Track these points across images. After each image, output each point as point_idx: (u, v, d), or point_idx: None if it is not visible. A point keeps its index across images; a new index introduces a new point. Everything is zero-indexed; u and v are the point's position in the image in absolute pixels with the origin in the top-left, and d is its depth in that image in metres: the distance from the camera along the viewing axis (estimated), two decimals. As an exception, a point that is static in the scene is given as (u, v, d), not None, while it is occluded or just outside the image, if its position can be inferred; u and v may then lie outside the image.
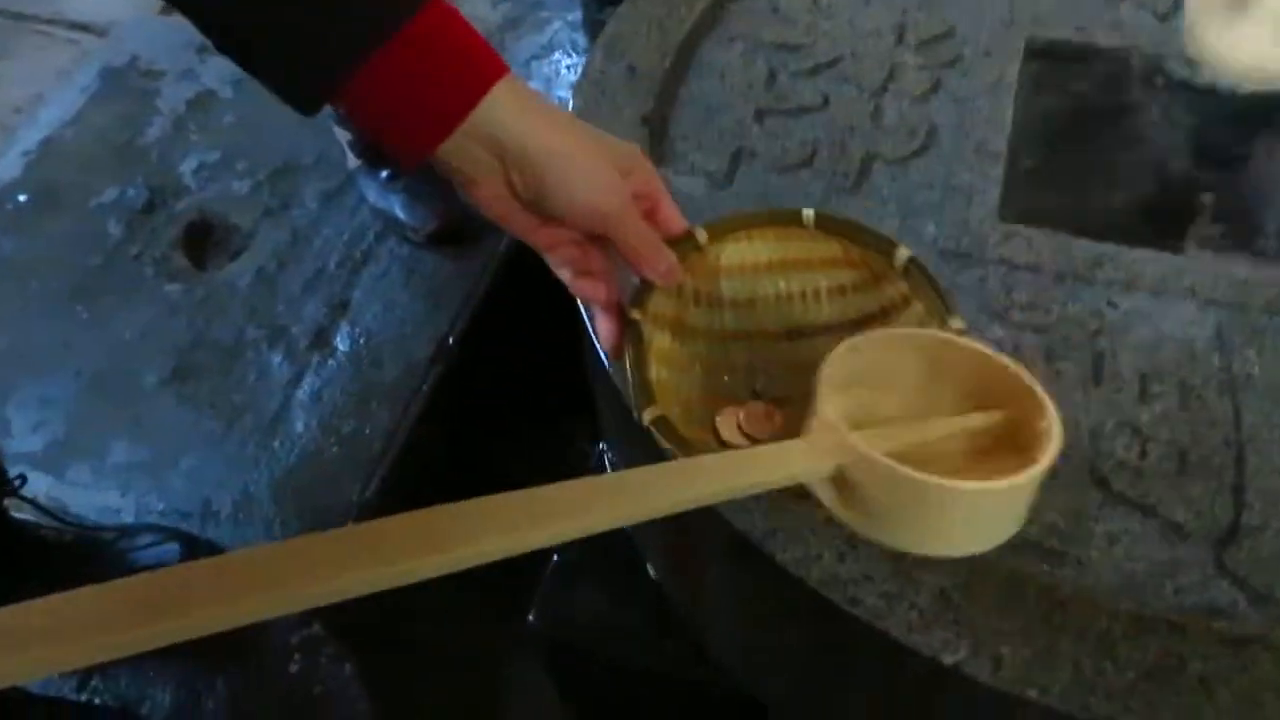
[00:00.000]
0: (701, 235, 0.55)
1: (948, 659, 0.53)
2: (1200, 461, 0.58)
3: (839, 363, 0.45)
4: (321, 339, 1.22)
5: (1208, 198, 0.72)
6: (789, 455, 0.42)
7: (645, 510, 0.37)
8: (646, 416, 0.49)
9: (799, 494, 0.43)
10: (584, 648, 0.92)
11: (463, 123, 0.46)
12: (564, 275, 0.53)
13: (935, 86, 0.78)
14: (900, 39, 0.82)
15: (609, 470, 0.99)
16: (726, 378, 0.57)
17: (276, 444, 1.13)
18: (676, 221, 0.54)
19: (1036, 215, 0.71)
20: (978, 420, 0.45)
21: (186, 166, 1.42)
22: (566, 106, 0.79)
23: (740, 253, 0.57)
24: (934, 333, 0.49)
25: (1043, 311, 0.65)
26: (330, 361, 1.20)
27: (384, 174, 1.29)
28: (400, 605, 1.13)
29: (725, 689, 0.85)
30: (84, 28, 1.66)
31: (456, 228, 1.28)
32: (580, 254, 0.52)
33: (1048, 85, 0.80)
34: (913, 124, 0.76)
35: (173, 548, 1.00)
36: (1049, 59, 0.81)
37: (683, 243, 0.54)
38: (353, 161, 1.32)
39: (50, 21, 1.61)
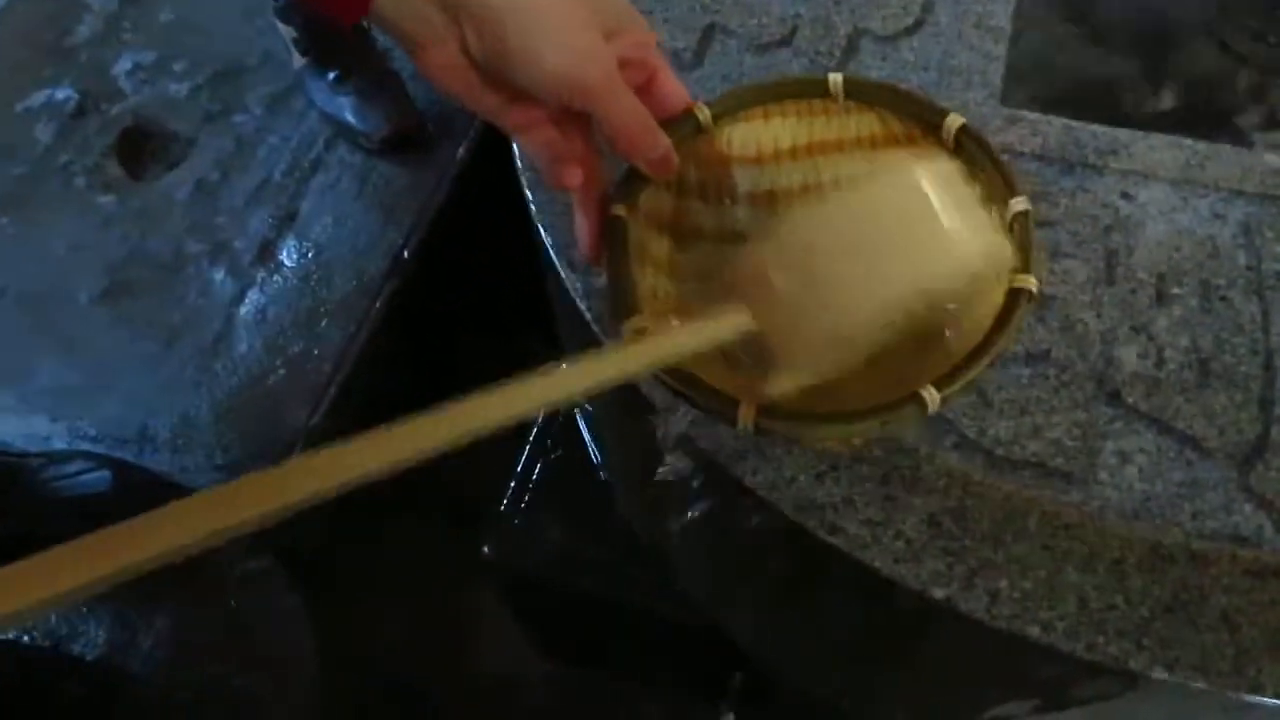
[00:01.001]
0: (704, 114, 0.45)
1: (938, 593, 0.47)
2: (1223, 371, 0.52)
3: None
4: (267, 253, 1.14)
5: (1238, 77, 0.65)
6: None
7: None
8: (626, 330, 0.41)
9: None
10: (544, 579, 0.87)
11: None
12: (539, 163, 0.44)
13: (931, -43, 0.70)
14: (892, -95, 0.73)
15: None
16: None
17: (219, 366, 1.06)
18: (677, 96, 0.45)
19: (1043, 98, 0.63)
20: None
21: (120, 68, 1.31)
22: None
23: (755, 135, 0.47)
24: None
25: (1049, 204, 0.58)
26: (276, 278, 1.12)
27: (332, 75, 1.19)
28: (353, 535, 1.07)
29: (697, 625, 0.80)
30: (6, -82, 1.52)
31: (411, 133, 1.19)
32: (558, 137, 0.43)
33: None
34: (905, -2, 0.67)
35: (104, 475, 0.93)
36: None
37: (681, 124, 0.45)
38: (298, 60, 1.22)
39: (-31, -89, 1.48)
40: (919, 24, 0.66)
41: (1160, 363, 0.52)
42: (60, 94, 1.29)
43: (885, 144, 0.46)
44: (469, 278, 1.19)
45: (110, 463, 0.96)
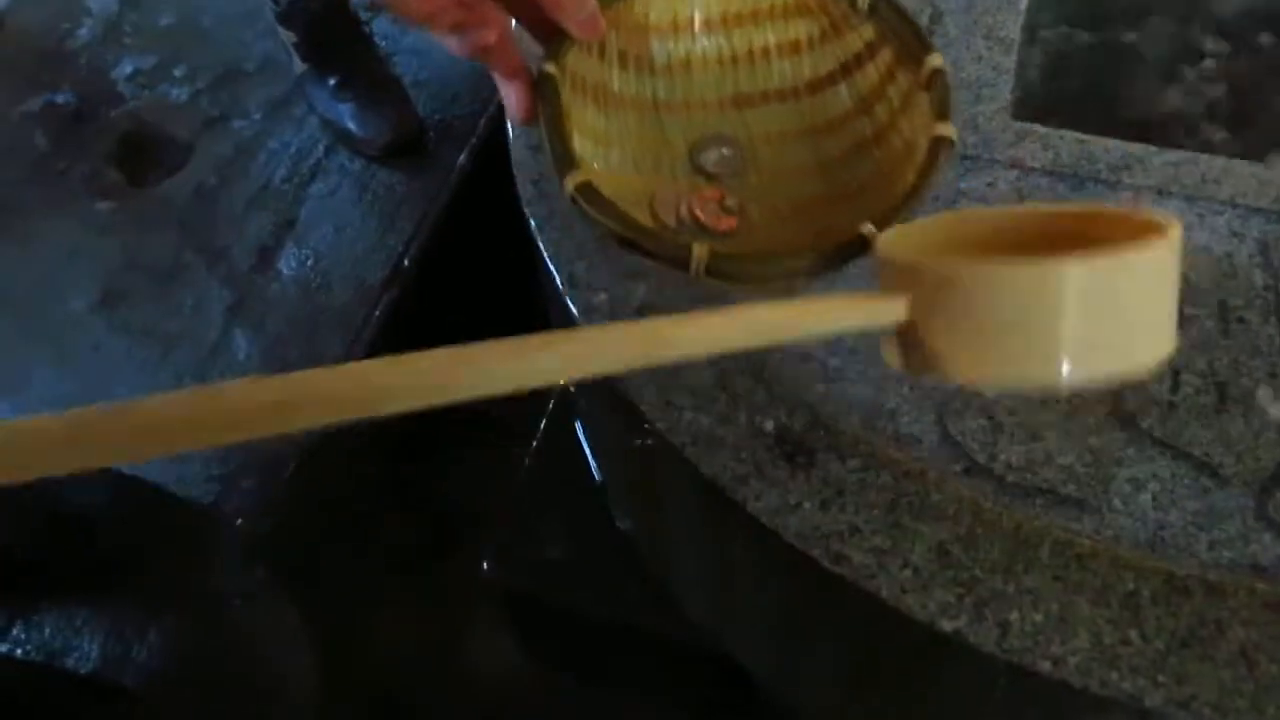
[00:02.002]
0: None
1: (946, 625, 0.45)
2: (1241, 395, 0.50)
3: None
4: (265, 261, 1.12)
5: (1254, 92, 0.63)
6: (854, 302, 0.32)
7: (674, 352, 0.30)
8: (569, 184, 0.41)
9: None
10: (542, 595, 0.85)
11: None
12: (451, 43, 0.42)
13: (940, -34, 0.68)
14: (900, -87, 0.71)
15: (571, 401, 0.91)
16: (663, 155, 0.49)
17: (216, 375, 1.04)
18: None
19: (1054, 112, 0.62)
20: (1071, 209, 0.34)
21: (119, 72, 1.30)
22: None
23: (672, 6, 0.48)
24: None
25: (1061, 222, 0.56)
26: (275, 285, 1.11)
27: (333, 81, 1.18)
28: (350, 549, 1.06)
29: (697, 642, 0.79)
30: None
31: (411, 140, 1.18)
32: (469, 16, 0.41)
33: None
34: (914, 6, 0.66)
35: (98, 485, 0.92)
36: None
37: None
38: (299, 65, 1.21)
39: (-30, -87, 1.47)
40: (927, 34, 0.64)
41: (1176, 387, 0.50)
42: (59, 98, 1.28)
43: (798, 14, 0.48)
44: (469, 286, 1.17)
45: (104, 473, 0.95)
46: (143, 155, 1.24)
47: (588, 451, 0.88)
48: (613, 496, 0.85)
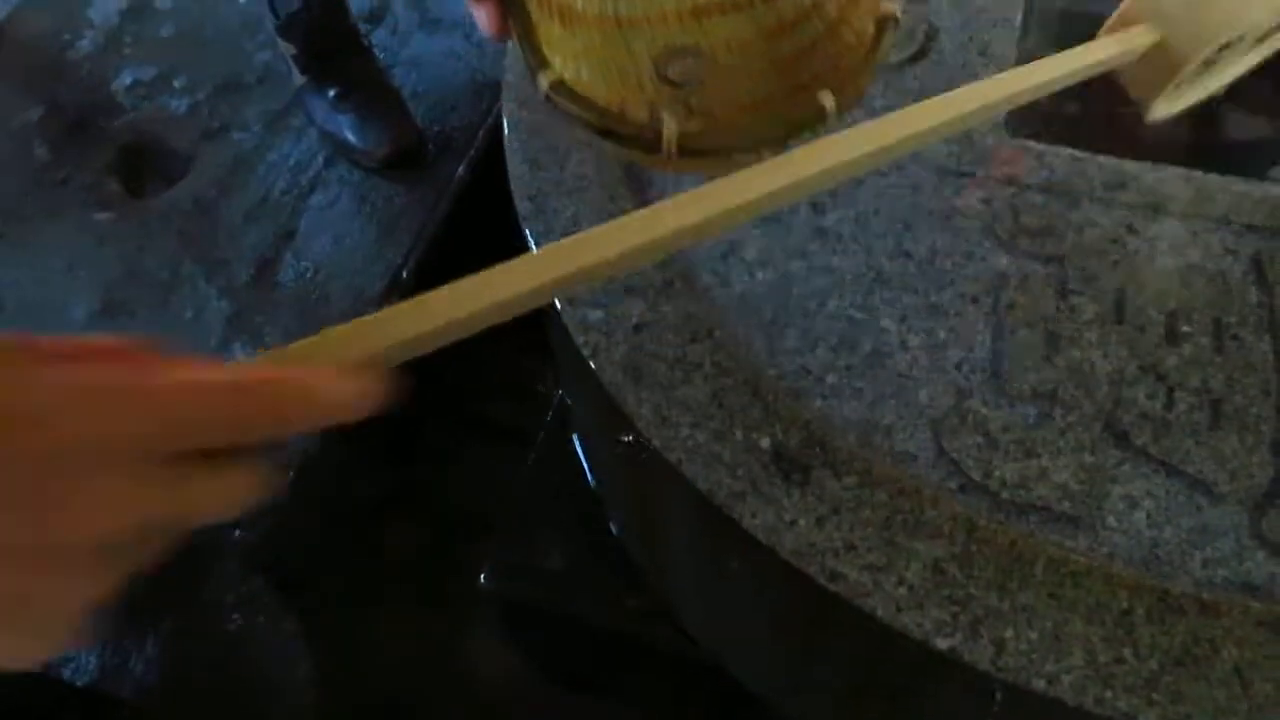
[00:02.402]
0: None
1: (942, 643, 0.45)
2: (1235, 413, 0.50)
3: None
4: (264, 273, 1.13)
5: (1245, 107, 0.63)
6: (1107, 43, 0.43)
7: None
8: (543, 81, 0.43)
9: None
10: (541, 604, 0.85)
11: None
12: None
13: (935, -17, 0.69)
14: (896, -71, 0.72)
15: (570, 408, 0.91)
16: (629, 68, 0.49)
17: (213, 386, 1.04)
18: None
19: (1049, 128, 0.62)
20: None
21: (120, 83, 1.30)
22: None
23: None
24: None
25: (1055, 239, 0.56)
26: (273, 297, 1.11)
27: (332, 92, 1.18)
28: (348, 557, 1.06)
29: (695, 654, 0.79)
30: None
31: (410, 152, 1.18)
32: None
33: (1063, -19, 0.70)
34: (910, 24, 0.66)
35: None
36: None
37: None
38: (298, 78, 1.21)
39: (-29, -76, 1.47)
40: (923, 52, 0.65)
41: (1170, 404, 0.51)
42: (60, 108, 1.28)
43: None
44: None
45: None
46: (142, 166, 1.25)
47: (585, 462, 0.88)
48: (610, 507, 0.86)
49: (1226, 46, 0.45)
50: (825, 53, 0.47)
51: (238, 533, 0.97)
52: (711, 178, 0.36)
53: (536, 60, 0.43)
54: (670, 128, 0.41)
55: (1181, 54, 0.44)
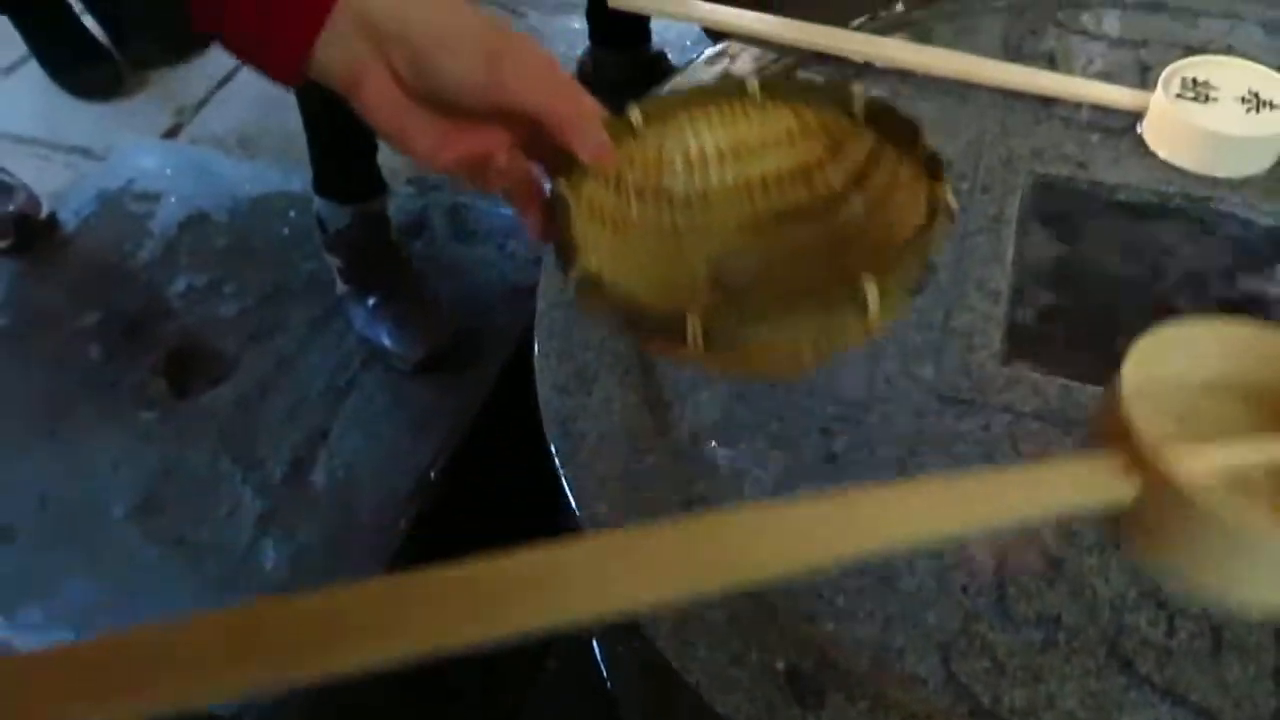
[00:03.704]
0: (636, 115, 0.49)
1: None
2: (1235, 640, 0.52)
3: (1142, 357, 0.36)
4: (297, 471, 1.17)
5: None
6: (1076, 475, 0.33)
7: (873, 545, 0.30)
8: (574, 274, 0.42)
9: None
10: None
11: (333, 8, 0.41)
12: (473, 179, 0.46)
13: (931, 222, 0.75)
14: (894, 173, 0.79)
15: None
16: (681, 272, 0.51)
17: (242, 585, 1.07)
18: (589, 102, 0.47)
19: (1042, 359, 0.67)
20: None
21: (174, 290, 1.39)
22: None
23: (684, 143, 0.51)
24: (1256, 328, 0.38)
25: (1053, 465, 0.60)
26: (305, 495, 1.15)
27: (371, 301, 1.26)
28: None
29: None
30: (84, 151, 1.66)
31: (444, 356, 1.24)
32: (472, 142, 0.45)
33: (1050, 222, 0.76)
34: (908, 261, 0.72)
35: None
36: (1050, 195, 0.78)
37: (615, 125, 0.48)
38: (341, 287, 1.30)
39: (50, 145, 1.62)
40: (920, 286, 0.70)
41: (1172, 631, 0.52)
42: (115, 313, 1.37)
43: (803, 138, 0.50)
44: (494, 498, 1.21)
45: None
46: (188, 367, 1.32)
47: (604, 670, 0.88)
48: (626, 714, 0.86)
49: None
50: (880, 247, 0.47)
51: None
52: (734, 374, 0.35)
53: (569, 256, 0.44)
54: (694, 319, 0.40)
55: (1158, 561, 0.33)
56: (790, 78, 0.52)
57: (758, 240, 0.52)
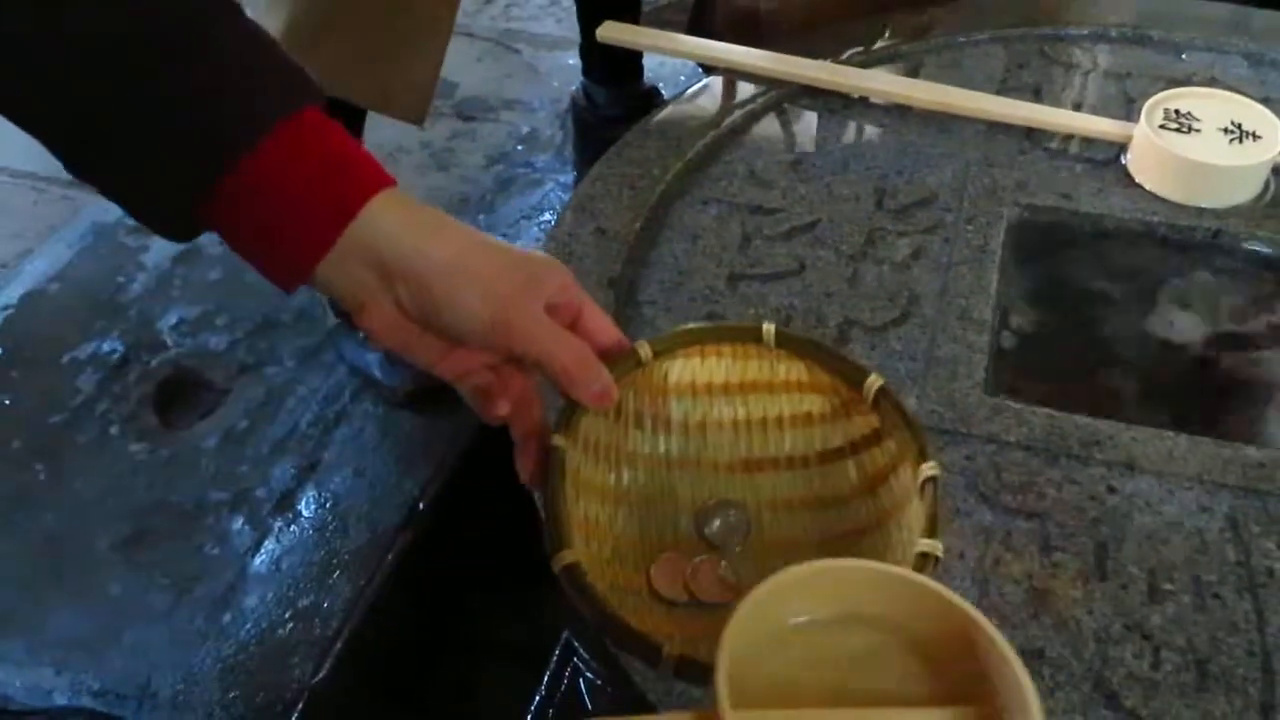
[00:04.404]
0: (645, 351, 0.49)
1: None
2: (1221, 673, 0.51)
3: (751, 614, 0.35)
4: (286, 503, 1.16)
5: (1208, 370, 0.68)
6: None
7: None
8: (556, 564, 0.42)
9: None
10: None
11: (339, 236, 0.41)
12: (473, 404, 0.47)
13: (916, 253, 0.75)
14: (879, 204, 0.79)
15: (576, 658, 0.91)
16: (669, 513, 0.51)
17: (227, 618, 1.06)
18: (606, 331, 0.48)
19: (1026, 389, 0.66)
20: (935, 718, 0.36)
21: (165, 322, 1.39)
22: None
23: (691, 370, 0.51)
24: (901, 572, 0.38)
25: (1036, 495, 0.59)
26: (293, 528, 1.14)
27: (362, 333, 1.26)
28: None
29: None
30: (79, 185, 1.67)
31: (434, 388, 1.23)
32: (495, 380, 0.46)
33: (1033, 253, 0.76)
34: (893, 290, 0.72)
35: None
36: (1033, 226, 0.78)
37: (622, 360, 0.48)
38: (332, 319, 1.30)
39: (47, 179, 1.62)
40: (905, 316, 0.70)
41: (1157, 664, 0.52)
42: (106, 346, 1.37)
43: (811, 390, 0.50)
44: (483, 529, 1.20)
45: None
46: (179, 399, 1.31)
47: (587, 700, 0.87)
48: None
49: None
50: (870, 545, 0.47)
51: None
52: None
53: (555, 538, 0.43)
54: (670, 648, 0.40)
55: None
56: (806, 337, 0.52)
57: (747, 483, 0.52)
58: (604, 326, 0.48)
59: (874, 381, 0.48)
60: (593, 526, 0.47)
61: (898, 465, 0.47)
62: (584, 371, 0.45)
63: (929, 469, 0.45)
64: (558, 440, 0.46)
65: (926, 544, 0.42)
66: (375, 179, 0.43)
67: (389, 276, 0.42)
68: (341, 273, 0.42)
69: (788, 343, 0.50)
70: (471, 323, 0.43)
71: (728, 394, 0.51)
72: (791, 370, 0.51)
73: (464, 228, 0.45)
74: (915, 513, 0.45)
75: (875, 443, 0.49)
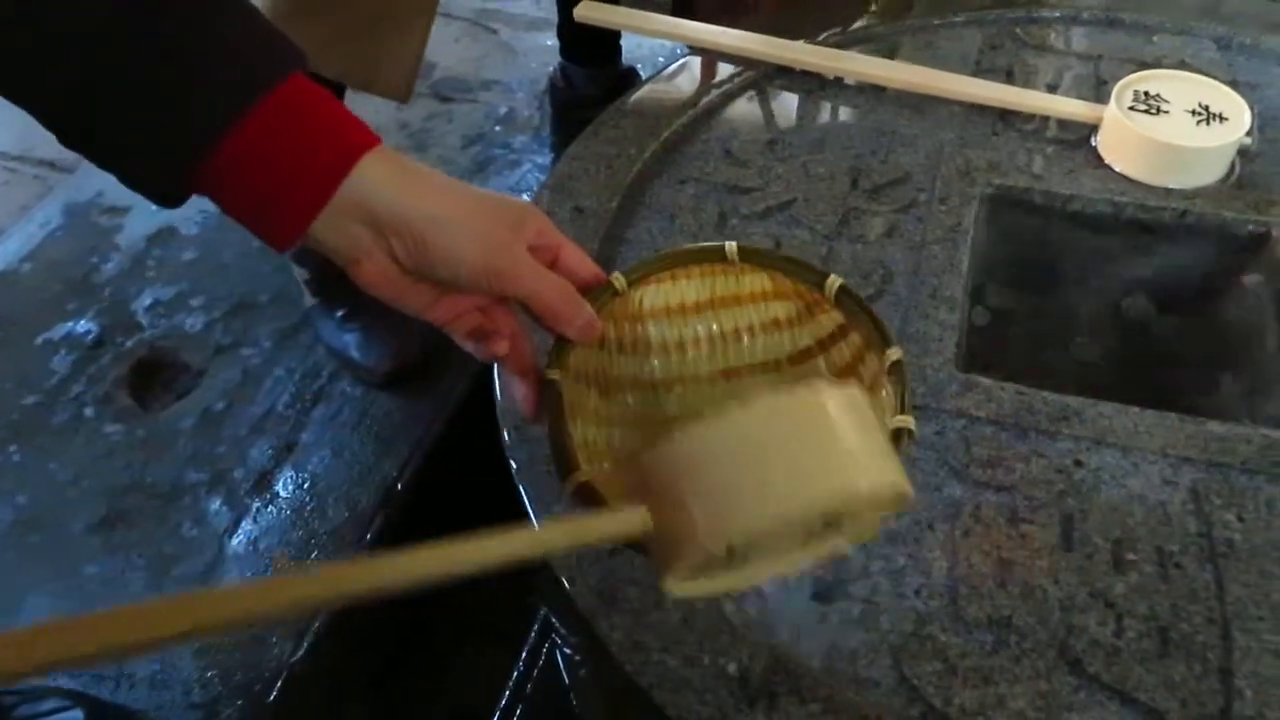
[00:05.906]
0: (620, 282, 0.52)
1: None
2: (1182, 640, 0.52)
3: None
4: (263, 483, 1.16)
5: (1176, 347, 0.69)
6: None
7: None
8: (569, 486, 0.44)
9: None
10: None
11: (332, 195, 0.42)
12: (469, 346, 0.50)
13: (890, 232, 0.76)
14: (854, 184, 0.80)
15: (559, 643, 0.92)
16: (662, 429, 0.52)
17: (205, 597, 1.05)
18: (584, 266, 0.50)
19: (996, 365, 0.67)
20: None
21: (140, 303, 1.38)
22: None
23: (664, 295, 0.53)
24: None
25: (1005, 469, 0.60)
26: (270, 508, 1.14)
27: (339, 313, 1.26)
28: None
29: None
30: (51, 164, 1.65)
31: (412, 368, 1.24)
32: (485, 320, 0.49)
33: (1005, 232, 0.77)
34: (867, 268, 0.73)
35: (76, 715, 0.92)
36: (1006, 205, 0.79)
37: (600, 292, 0.51)
38: (309, 299, 1.29)
39: (19, 159, 1.61)
40: (879, 293, 0.71)
41: (1120, 631, 0.53)
42: (80, 327, 1.36)
43: (776, 298, 0.53)
44: (461, 510, 1.21)
45: (84, 700, 0.95)
46: (154, 381, 1.30)
47: (565, 675, 0.88)
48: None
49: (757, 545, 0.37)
50: None
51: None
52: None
53: (564, 462, 0.45)
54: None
55: (684, 547, 0.35)
56: (767, 249, 0.54)
57: (728, 390, 0.54)
58: (582, 262, 0.50)
59: (834, 281, 0.50)
60: (593, 449, 0.49)
61: (864, 354, 0.50)
62: (569, 307, 0.48)
63: (894, 353, 0.47)
64: (552, 375, 0.48)
65: (900, 420, 0.44)
66: (364, 138, 0.44)
67: (382, 230, 0.44)
68: (335, 230, 0.43)
69: (751, 256, 0.53)
70: (464, 269, 0.45)
71: (700, 312, 0.54)
72: (756, 282, 0.53)
73: (449, 180, 0.46)
74: (887, 394, 0.47)
75: (841, 338, 0.51)
